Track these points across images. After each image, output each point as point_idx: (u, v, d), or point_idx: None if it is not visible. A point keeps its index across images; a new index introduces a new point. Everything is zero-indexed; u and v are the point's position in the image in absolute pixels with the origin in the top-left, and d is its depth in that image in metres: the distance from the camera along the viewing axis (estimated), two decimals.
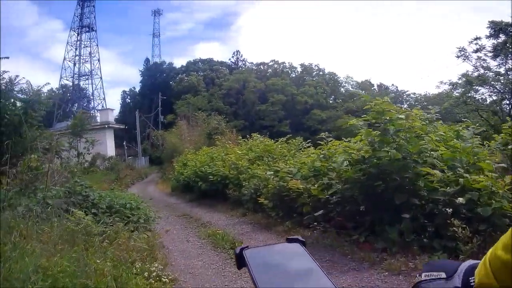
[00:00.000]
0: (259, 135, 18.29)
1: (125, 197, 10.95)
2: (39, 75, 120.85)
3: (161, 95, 70.42)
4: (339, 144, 10.55)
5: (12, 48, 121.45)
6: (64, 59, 57.44)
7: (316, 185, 9.58)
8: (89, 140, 16.86)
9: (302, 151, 14.79)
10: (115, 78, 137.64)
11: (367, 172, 8.30)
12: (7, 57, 12.87)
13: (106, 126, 50.02)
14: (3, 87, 11.85)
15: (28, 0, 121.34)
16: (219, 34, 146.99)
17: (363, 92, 79.42)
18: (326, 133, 11.55)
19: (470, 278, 0.85)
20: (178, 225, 12.82)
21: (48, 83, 11.72)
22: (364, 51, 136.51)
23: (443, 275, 0.92)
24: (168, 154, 38.70)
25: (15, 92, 12.00)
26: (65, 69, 57.52)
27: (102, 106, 57.73)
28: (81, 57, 58.15)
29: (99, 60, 58.65)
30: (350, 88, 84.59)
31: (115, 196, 10.11)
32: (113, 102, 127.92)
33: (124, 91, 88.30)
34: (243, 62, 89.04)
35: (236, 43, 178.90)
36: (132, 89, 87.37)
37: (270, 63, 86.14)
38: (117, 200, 9.43)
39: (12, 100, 11.69)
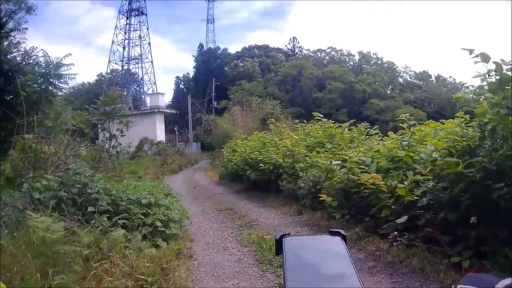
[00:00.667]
0: (321, 115, 15.27)
1: (147, 188, 8.91)
2: (91, 62, 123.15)
3: (215, 81, 69.24)
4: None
5: (65, 35, 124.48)
6: (113, 42, 56.42)
7: (406, 182, 6.97)
8: (123, 121, 14.89)
9: (370, 139, 12.33)
10: (168, 66, 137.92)
11: (482, 168, 5.67)
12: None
13: (156, 110, 48.97)
14: (19, 59, 10.16)
15: None
16: (274, 23, 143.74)
17: (421, 82, 75.68)
18: (407, 114, 9.07)
19: None
20: (217, 223, 10.59)
21: (70, 54, 9.35)
22: (422, 40, 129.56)
23: None
24: (219, 140, 36.94)
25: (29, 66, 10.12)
26: (113, 53, 56.62)
27: (153, 91, 56.61)
28: (131, 41, 56.98)
29: (149, 43, 57.40)
30: (408, 78, 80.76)
31: (132, 188, 8.02)
32: (166, 89, 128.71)
33: (177, 77, 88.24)
34: (300, 49, 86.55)
35: (291, 32, 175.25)
36: (186, 74, 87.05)
37: (328, 50, 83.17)
38: (128, 193, 7.19)
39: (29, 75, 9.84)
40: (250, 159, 16.15)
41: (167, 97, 73.32)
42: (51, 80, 10.23)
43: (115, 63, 56.86)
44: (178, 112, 63.51)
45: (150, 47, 57.61)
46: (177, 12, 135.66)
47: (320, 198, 9.36)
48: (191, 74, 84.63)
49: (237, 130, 34.67)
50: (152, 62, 57.63)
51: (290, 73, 71.86)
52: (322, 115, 15.12)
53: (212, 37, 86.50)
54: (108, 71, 58.52)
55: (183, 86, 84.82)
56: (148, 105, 52.60)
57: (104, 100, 15.20)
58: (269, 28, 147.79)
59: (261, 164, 14.56)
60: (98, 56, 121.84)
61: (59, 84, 10.51)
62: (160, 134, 47.59)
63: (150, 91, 56.79)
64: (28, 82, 9.79)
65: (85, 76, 75.66)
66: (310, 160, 11.98)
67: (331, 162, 9.65)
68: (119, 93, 17.38)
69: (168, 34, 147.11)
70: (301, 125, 17.51)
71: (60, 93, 11.44)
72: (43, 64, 10.26)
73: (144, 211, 6.75)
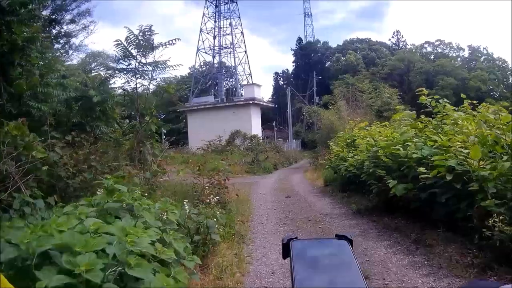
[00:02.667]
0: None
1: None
2: (186, 59, 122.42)
3: (316, 75, 62.12)
4: None
5: (161, 34, 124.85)
6: (201, 31, 50.55)
7: None
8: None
9: None
10: (267, 66, 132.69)
11: None
12: None
13: (251, 102, 42.78)
14: None
15: None
16: (372, 24, 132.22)
17: None
18: None
19: None
20: None
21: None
22: None
23: None
24: (322, 136, 29.66)
25: None
26: (202, 42, 50.77)
27: (248, 82, 50.17)
28: (221, 29, 50.82)
29: (242, 32, 50.76)
30: None
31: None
32: (265, 89, 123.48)
33: (276, 73, 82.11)
34: (404, 43, 76.06)
35: (389, 33, 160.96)
36: (285, 70, 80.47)
37: (436, 43, 71.62)
38: None
39: None
40: (390, 159, 8.59)
41: (266, 94, 67.76)
42: None
43: (205, 53, 51.22)
44: (276, 106, 57.22)
45: (243, 36, 51.33)
46: (274, 13, 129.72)
47: None
48: (290, 71, 78.30)
49: (344, 125, 27.41)
50: (246, 52, 51.27)
51: (397, 66, 62.59)
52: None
53: (310, 31, 79.47)
54: (197, 60, 52.91)
55: (282, 82, 78.71)
56: (243, 96, 46.47)
57: None
58: (368, 30, 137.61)
59: (421, 169, 6.87)
60: (192, 53, 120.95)
61: None
62: (255, 128, 41.35)
63: (245, 83, 50.45)
64: None
65: (179, 71, 74.22)
66: None
67: None
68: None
69: (267, 35, 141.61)
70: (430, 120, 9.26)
71: None
72: None
73: None
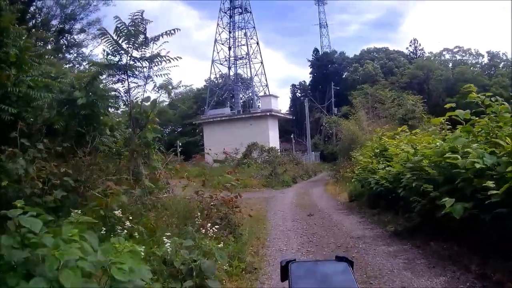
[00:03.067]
0: None
1: None
2: (202, 72, 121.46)
3: (333, 86, 60.45)
4: None
5: (177, 47, 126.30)
6: (216, 41, 49.34)
7: None
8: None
9: None
10: (283, 79, 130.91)
11: None
12: None
13: (268, 114, 41.12)
14: None
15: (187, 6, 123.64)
16: (387, 35, 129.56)
17: None
18: None
19: None
20: None
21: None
22: None
23: None
24: (343, 147, 27.94)
25: None
26: (217, 52, 49.43)
27: (264, 93, 48.55)
28: (236, 40, 49.37)
29: (257, 43, 49.28)
30: None
31: None
32: (281, 102, 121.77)
33: (293, 85, 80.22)
34: (421, 51, 73.64)
35: (406, 39, 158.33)
36: (302, 82, 78.81)
37: (455, 50, 69.13)
38: None
39: None
40: (436, 170, 6.91)
41: (283, 107, 65.95)
42: None
43: (220, 64, 49.89)
44: (294, 117, 55.55)
45: (258, 46, 49.88)
46: (288, 25, 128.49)
47: None
48: (307, 82, 76.45)
49: (365, 135, 25.72)
50: (262, 62, 49.83)
51: (416, 75, 60.51)
52: None
53: (327, 42, 77.74)
54: (213, 72, 51.44)
55: (299, 94, 77.05)
56: (260, 108, 44.93)
57: None
58: (383, 41, 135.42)
59: (489, 183, 5.10)
60: (208, 67, 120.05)
61: None
62: (272, 140, 39.71)
63: (261, 94, 48.87)
64: None
65: (195, 84, 73.79)
66: None
67: None
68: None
69: (281, 48, 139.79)
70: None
71: None
72: None
73: None
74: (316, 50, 74.86)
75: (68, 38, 29.13)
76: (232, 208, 7.80)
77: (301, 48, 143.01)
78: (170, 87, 8.23)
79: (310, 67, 74.29)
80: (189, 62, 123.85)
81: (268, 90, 49.05)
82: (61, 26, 26.32)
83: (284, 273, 1.22)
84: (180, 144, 53.57)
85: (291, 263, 1.23)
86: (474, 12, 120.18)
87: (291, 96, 77.65)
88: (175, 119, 63.84)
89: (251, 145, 35.04)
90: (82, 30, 30.79)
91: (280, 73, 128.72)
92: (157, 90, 7.82)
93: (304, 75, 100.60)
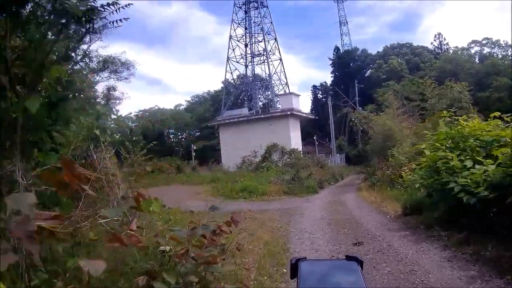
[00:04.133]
0: None
1: None
2: (220, 78, 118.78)
3: (357, 84, 55.93)
4: None
5: (196, 54, 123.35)
6: (231, 37, 45.19)
7: None
8: None
9: None
10: (303, 82, 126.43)
11: None
12: None
13: (289, 113, 36.92)
14: None
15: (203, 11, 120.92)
16: (405, 36, 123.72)
17: None
18: None
19: None
20: None
21: None
22: None
23: None
24: (375, 146, 23.56)
25: None
26: (233, 49, 45.31)
27: (284, 92, 44.15)
28: (253, 36, 45.16)
29: (276, 39, 44.97)
30: None
31: None
32: (302, 103, 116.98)
33: (314, 86, 75.09)
34: (447, 45, 68.16)
35: (424, 39, 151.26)
36: (323, 83, 73.96)
37: (484, 41, 63.44)
38: None
39: None
40: None
41: (305, 110, 61.48)
42: None
43: (236, 62, 45.67)
44: (316, 118, 51.08)
45: (277, 42, 45.52)
46: (307, 29, 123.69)
47: None
48: (329, 83, 71.54)
49: (402, 131, 21.50)
50: (281, 59, 45.37)
51: (445, 69, 55.21)
52: None
53: (347, 40, 72.88)
54: (228, 69, 46.57)
55: (321, 96, 72.42)
56: (280, 107, 40.63)
57: None
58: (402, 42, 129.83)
59: None
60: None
61: None
62: (294, 141, 35.47)
63: (281, 93, 44.44)
64: None
65: (214, 87, 71.00)
66: None
67: None
68: None
69: (301, 52, 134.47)
70: None
71: None
72: None
73: None
74: (337, 49, 70.09)
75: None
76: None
77: (321, 51, 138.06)
78: None
79: (332, 66, 69.53)
80: (209, 69, 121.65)
81: (288, 88, 44.71)
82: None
83: (294, 270, 1.18)
84: (195, 148, 50.12)
85: (301, 261, 1.19)
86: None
87: (312, 98, 73.09)
88: (192, 123, 60.30)
89: (270, 146, 30.88)
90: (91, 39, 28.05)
91: (300, 77, 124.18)
92: None
93: (325, 78, 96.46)
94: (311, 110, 67.63)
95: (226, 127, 40.19)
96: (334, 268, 1.25)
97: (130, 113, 58.16)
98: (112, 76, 35.51)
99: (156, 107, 61.05)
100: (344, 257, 1.23)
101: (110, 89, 35.22)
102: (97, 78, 35.68)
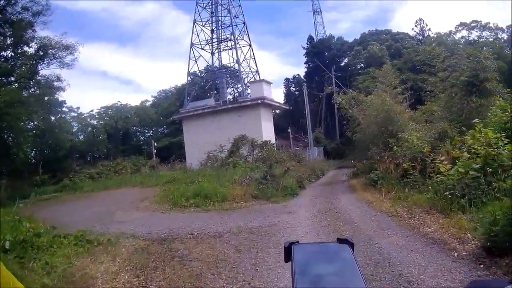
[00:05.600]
0: None
1: None
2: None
3: (334, 72, 50.75)
4: None
5: (170, 54, 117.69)
6: (195, 21, 38.99)
7: None
8: None
9: None
10: (277, 79, 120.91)
11: None
12: None
13: (260, 101, 31.57)
14: None
15: (179, 10, 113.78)
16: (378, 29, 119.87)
17: None
18: None
19: None
20: None
21: None
22: None
23: None
24: (371, 133, 17.79)
25: None
26: (197, 35, 38.92)
27: (254, 79, 38.03)
28: (218, 18, 39.01)
29: (244, 23, 38.84)
30: None
31: None
32: (275, 96, 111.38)
33: (287, 79, 69.43)
34: (429, 31, 63.17)
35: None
36: (296, 75, 68.33)
37: (473, 24, 58.86)
38: None
39: None
40: None
41: (277, 95, 55.50)
42: None
43: (201, 48, 39.31)
44: (290, 108, 45.43)
45: (245, 27, 39.45)
46: (280, 25, 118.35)
47: None
48: (302, 75, 65.55)
49: (403, 115, 16.26)
50: (250, 45, 39.27)
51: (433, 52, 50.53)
52: None
53: (321, 30, 67.46)
54: (192, 56, 39.28)
55: (294, 89, 66.97)
56: (249, 95, 34.74)
57: None
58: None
59: None
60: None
61: None
62: (266, 133, 29.84)
63: (251, 80, 38.35)
64: None
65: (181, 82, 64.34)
66: None
67: None
68: None
69: (274, 48, 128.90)
70: None
71: None
72: None
73: None
74: (311, 38, 64.47)
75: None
76: None
77: (294, 48, 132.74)
78: None
79: (305, 56, 63.54)
80: (182, 67, 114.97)
81: (259, 76, 38.67)
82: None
83: (288, 254, 1.12)
84: (156, 144, 43.89)
85: (294, 245, 1.13)
86: None
87: (285, 92, 67.14)
88: (157, 119, 53.96)
89: (238, 138, 25.05)
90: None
91: (274, 74, 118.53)
92: None
93: (299, 73, 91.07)
94: (284, 103, 61.91)
95: (190, 120, 34.28)
96: (327, 250, 1.16)
97: (92, 111, 51.95)
98: (52, 62, 29.23)
99: (119, 103, 54.61)
100: (336, 240, 1.13)
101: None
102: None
